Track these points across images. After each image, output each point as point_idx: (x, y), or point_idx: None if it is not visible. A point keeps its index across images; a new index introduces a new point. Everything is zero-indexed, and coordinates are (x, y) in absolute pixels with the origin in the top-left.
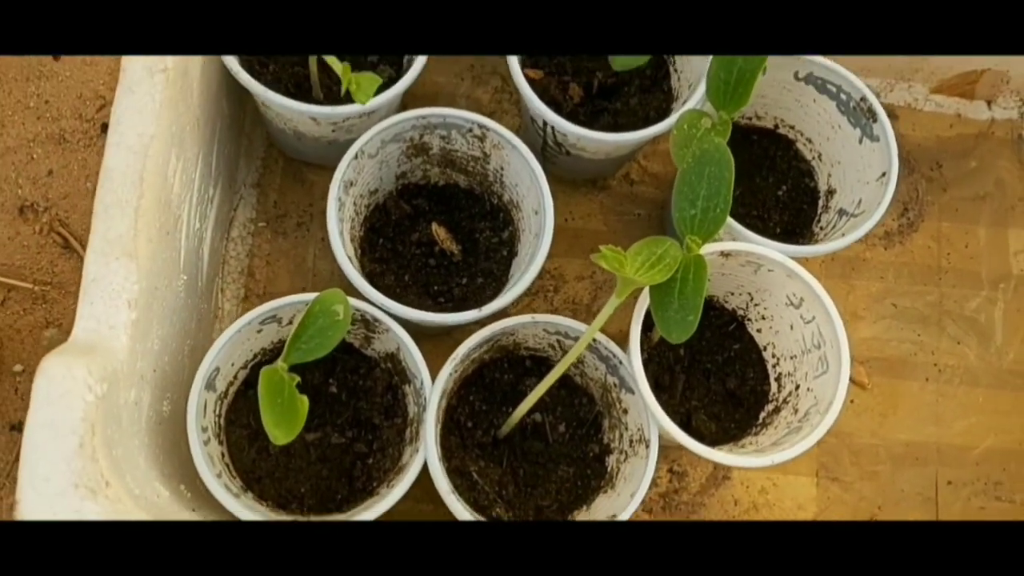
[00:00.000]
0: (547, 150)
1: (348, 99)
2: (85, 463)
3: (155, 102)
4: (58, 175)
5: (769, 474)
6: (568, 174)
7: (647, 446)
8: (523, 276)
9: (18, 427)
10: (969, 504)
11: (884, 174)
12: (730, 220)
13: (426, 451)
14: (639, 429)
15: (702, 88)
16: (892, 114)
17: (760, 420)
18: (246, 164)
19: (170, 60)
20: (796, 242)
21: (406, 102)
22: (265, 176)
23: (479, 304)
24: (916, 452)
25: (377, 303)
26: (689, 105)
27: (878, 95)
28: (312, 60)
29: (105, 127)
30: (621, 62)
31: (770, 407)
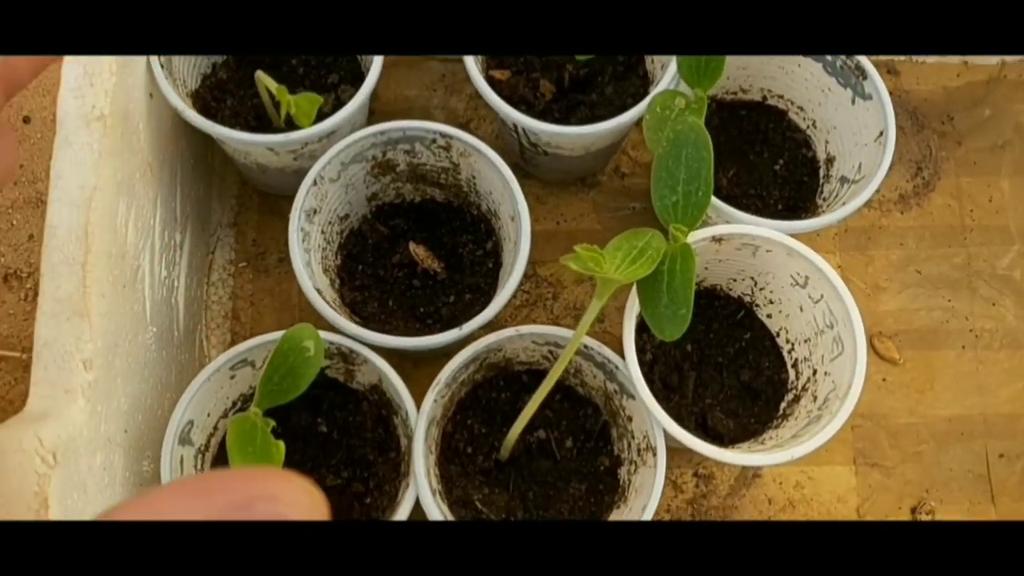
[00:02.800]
0: (525, 152)
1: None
2: None
3: (94, 152)
4: (39, 239)
5: (803, 467)
6: (554, 175)
7: (654, 454)
8: (503, 288)
9: None
10: None
11: (882, 133)
12: (719, 203)
13: (416, 484)
14: (645, 436)
15: (674, 66)
16: (893, 70)
17: (781, 411)
18: (220, 204)
19: (107, 107)
20: (800, 217)
21: (378, 120)
22: (241, 215)
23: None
24: (961, 427)
25: (350, 333)
26: (663, 86)
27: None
28: (262, 87)
29: None
30: None
31: (790, 396)
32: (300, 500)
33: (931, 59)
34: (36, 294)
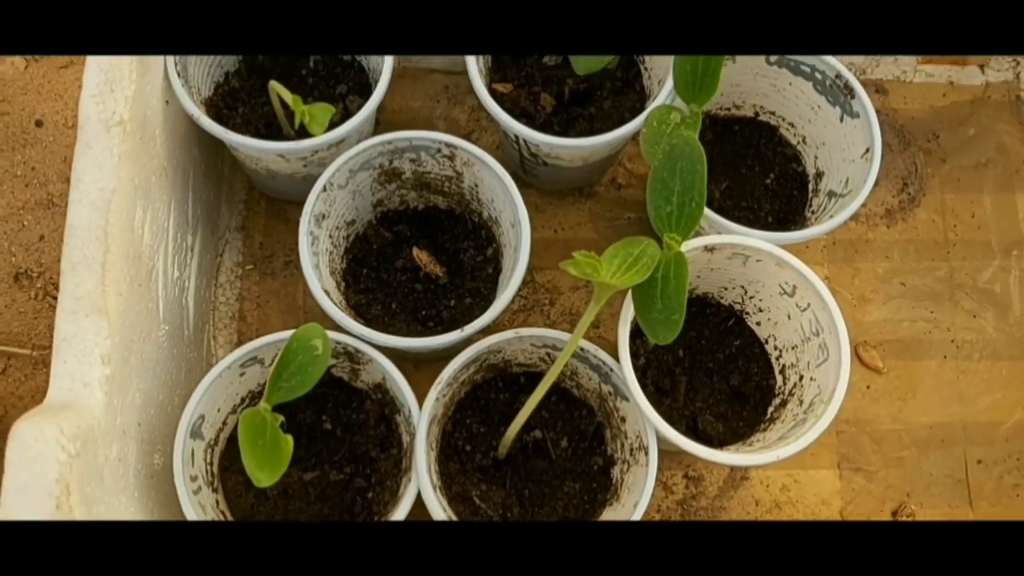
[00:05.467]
0: (525, 163)
1: None
2: None
3: (114, 156)
4: (49, 240)
5: (789, 470)
6: (553, 185)
7: (646, 453)
8: (504, 292)
9: None
10: (1002, 483)
11: (868, 150)
12: (712, 214)
13: (418, 480)
14: (638, 436)
15: (671, 83)
16: (881, 89)
17: (768, 415)
18: (228, 208)
19: (126, 112)
20: (789, 230)
21: (383, 130)
22: (249, 219)
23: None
24: (941, 433)
25: (356, 334)
26: (660, 102)
27: (864, 72)
28: (274, 96)
29: None
30: (583, 65)
31: (777, 401)
32: None
33: (918, 79)
34: (46, 293)
